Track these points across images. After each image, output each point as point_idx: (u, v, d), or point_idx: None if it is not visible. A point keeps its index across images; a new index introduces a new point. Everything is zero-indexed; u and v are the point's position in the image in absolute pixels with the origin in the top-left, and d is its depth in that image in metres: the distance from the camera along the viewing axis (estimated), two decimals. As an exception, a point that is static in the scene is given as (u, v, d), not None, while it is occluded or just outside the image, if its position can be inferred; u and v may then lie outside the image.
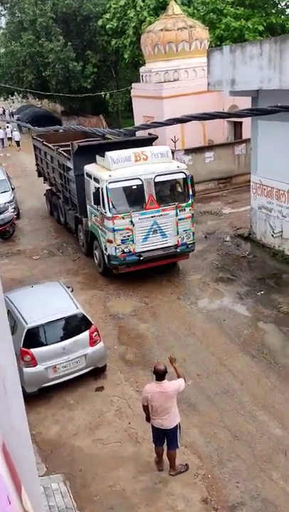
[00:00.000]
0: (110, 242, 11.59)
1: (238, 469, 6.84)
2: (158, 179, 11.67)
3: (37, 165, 20.09)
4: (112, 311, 11.51)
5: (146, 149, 12.13)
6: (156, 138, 14.58)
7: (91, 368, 8.84)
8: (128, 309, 11.45)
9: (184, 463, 6.93)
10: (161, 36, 24.01)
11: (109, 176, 11.39)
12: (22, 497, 1.84)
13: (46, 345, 8.45)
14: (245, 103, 15.10)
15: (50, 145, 16.40)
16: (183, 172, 12.03)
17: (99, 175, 11.76)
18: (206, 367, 9.03)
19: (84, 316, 8.89)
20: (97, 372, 9.06)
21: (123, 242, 11.51)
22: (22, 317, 8.67)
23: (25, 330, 8.42)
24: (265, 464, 6.87)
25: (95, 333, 8.82)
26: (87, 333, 8.71)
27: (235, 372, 8.79)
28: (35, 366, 8.31)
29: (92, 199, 12.15)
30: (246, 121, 19.51)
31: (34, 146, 19.56)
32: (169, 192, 12.54)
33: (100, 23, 33.93)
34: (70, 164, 13.93)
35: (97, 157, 12.49)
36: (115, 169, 11.57)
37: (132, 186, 11.57)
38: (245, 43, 12.79)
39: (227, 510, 6.25)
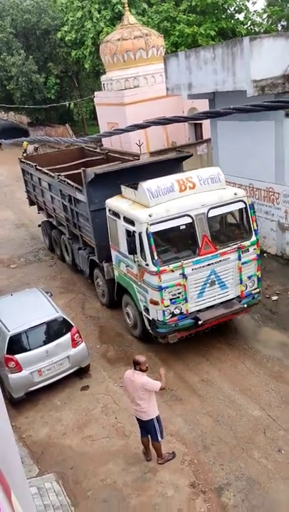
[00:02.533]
0: (155, 303, 8.32)
1: (222, 452, 6.92)
2: (212, 213, 8.54)
3: (27, 192, 16.31)
4: (91, 312, 11.45)
5: (192, 174, 8.80)
6: (191, 156, 10.99)
7: (75, 368, 8.79)
8: (107, 309, 11.40)
9: (171, 451, 6.97)
10: (118, 45, 24.02)
11: (150, 215, 8.12)
12: (12, 501, 1.81)
13: (30, 350, 8.35)
14: (203, 105, 15.27)
15: (46, 170, 13.17)
16: (242, 201, 8.78)
17: (134, 215, 8.45)
18: (187, 359, 9.09)
19: (64, 319, 8.83)
20: (81, 372, 9.02)
21: (173, 302, 8.30)
22: (4, 325, 8.55)
23: (8, 337, 8.31)
24: (246, 445, 6.96)
25: (77, 334, 8.77)
26: (68, 335, 8.65)
27: (213, 361, 8.88)
28: (20, 371, 8.20)
29: (120, 243, 9.24)
30: (206, 122, 19.72)
31: (23, 171, 15.88)
32: (226, 228, 9.38)
33: (59, 35, 33.71)
34: (81, 197, 10.55)
35: (124, 188, 9.35)
36: (155, 205, 8.33)
37: (179, 226, 8.40)
38: (199, 48, 12.90)
39: (214, 492, 6.32)
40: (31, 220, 18.80)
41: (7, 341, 8.27)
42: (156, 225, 8.15)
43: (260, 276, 9.06)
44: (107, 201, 9.58)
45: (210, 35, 28.21)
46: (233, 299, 8.84)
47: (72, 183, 11.16)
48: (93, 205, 10.15)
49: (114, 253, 9.82)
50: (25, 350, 8.33)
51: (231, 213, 9.03)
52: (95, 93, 28.14)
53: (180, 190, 8.53)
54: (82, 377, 9.02)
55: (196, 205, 8.36)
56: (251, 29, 30.98)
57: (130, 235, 8.58)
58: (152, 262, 8.14)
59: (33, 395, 8.50)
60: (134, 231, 8.45)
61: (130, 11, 26.79)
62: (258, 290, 9.10)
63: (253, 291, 9.02)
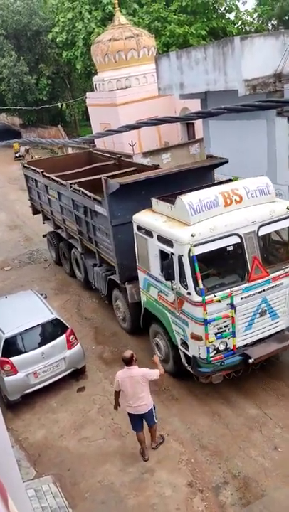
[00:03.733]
0: (198, 338, 7.13)
1: (219, 450, 6.93)
2: (263, 231, 7.36)
3: (31, 200, 15.07)
4: (86, 313, 11.44)
5: (238, 186, 7.55)
6: (226, 162, 9.38)
7: (71, 369, 8.77)
8: (102, 310, 11.39)
9: (159, 434, 7.16)
10: (110, 46, 24.00)
11: (192, 235, 6.87)
12: (8, 504, 1.81)
13: (25, 352, 8.32)
14: (195, 104, 15.30)
15: (56, 178, 12.09)
16: None
17: (172, 234, 7.21)
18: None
19: (59, 320, 8.81)
20: (77, 374, 9.00)
21: (219, 336, 7.16)
22: (-1, 328, 8.53)
23: (3, 340, 8.29)
24: (243, 443, 6.98)
25: (72, 336, 8.75)
26: (64, 336, 8.63)
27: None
28: (15, 374, 8.17)
29: (151, 266, 8.06)
30: (198, 122, 19.75)
31: (26, 177, 14.80)
32: (271, 247, 8.11)
33: (50, 36, 33.65)
34: (101, 209, 9.33)
35: (156, 202, 8.08)
36: (197, 222, 7.10)
37: (226, 248, 7.20)
38: (190, 48, 12.94)
39: (212, 491, 6.33)
40: (25, 222, 18.74)
41: (2, 344, 8.25)
42: (200, 246, 6.87)
43: None
44: (135, 216, 8.30)
45: (201, 35, 28.25)
46: (283, 330, 7.71)
47: (89, 194, 9.97)
48: (115, 220, 8.92)
49: (142, 275, 8.55)
50: (20, 352, 8.31)
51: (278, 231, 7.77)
52: (87, 94, 28.10)
53: (225, 204, 7.26)
54: (78, 378, 9.00)
55: (244, 222, 7.15)
56: (242, 28, 31.07)
57: (166, 257, 7.35)
58: (196, 291, 6.88)
59: (29, 398, 8.46)
60: (171, 253, 7.18)
61: (121, 12, 26.77)
62: None
63: None
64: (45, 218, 14.38)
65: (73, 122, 40.59)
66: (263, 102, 3.40)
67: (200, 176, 9.07)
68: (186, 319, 7.24)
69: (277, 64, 10.97)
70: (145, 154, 20.03)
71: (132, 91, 23.67)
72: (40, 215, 14.66)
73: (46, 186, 12.92)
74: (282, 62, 10.90)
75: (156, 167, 10.68)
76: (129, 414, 6.85)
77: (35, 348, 8.39)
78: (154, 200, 8.15)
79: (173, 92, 13.66)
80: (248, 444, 6.95)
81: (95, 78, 26.45)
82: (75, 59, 32.88)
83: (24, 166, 14.77)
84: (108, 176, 9.36)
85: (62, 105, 41.06)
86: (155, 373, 6.59)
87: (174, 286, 7.26)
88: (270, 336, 7.60)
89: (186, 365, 7.67)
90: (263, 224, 7.31)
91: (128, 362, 6.58)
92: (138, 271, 8.66)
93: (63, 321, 8.90)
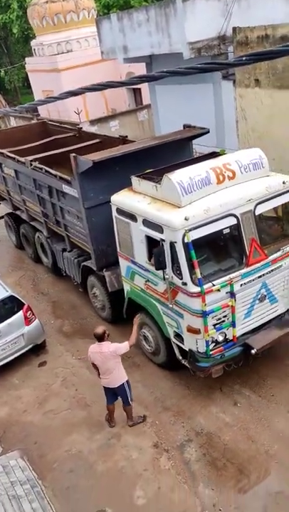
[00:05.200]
0: (196, 332, 6.58)
1: (182, 410, 7.21)
2: (259, 209, 6.74)
3: None
4: (42, 288, 11.33)
5: (230, 160, 6.89)
6: (208, 132, 8.68)
7: (31, 345, 8.75)
8: (59, 284, 11.32)
9: (142, 414, 7.20)
10: (47, 8, 22.93)
11: (186, 219, 6.21)
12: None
13: (-19, 331, 8.20)
14: (141, 69, 15.03)
15: (10, 154, 11.11)
16: None
17: (162, 218, 6.51)
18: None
19: (14, 297, 8.71)
20: (37, 349, 8.99)
21: (218, 328, 6.64)
22: None
23: None
24: (204, 401, 7.29)
25: (29, 312, 8.69)
26: (20, 313, 8.55)
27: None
28: (-27, 354, 8.07)
29: (135, 253, 7.41)
30: (144, 87, 19.44)
31: None
32: (265, 225, 7.33)
33: (-19, -2, 31.60)
34: (71, 190, 8.56)
35: (137, 180, 7.32)
36: (189, 203, 6.46)
37: (222, 231, 6.56)
38: (132, 10, 12.60)
39: (176, 450, 6.61)
40: None
41: None
42: (195, 230, 6.20)
43: None
44: (113, 198, 7.54)
45: (142, -4, 27.43)
46: (282, 314, 7.21)
47: (54, 172, 9.17)
48: (88, 201, 8.20)
49: (124, 263, 7.87)
50: (-24, 332, 8.18)
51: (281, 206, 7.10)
52: (26, 59, 26.88)
53: (218, 181, 6.58)
54: (38, 353, 9.00)
55: (240, 200, 6.50)
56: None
57: (154, 243, 6.68)
58: (192, 281, 6.27)
59: (-11, 377, 8.40)
60: (162, 239, 6.50)
61: None
62: None
63: None
64: (1, 198, 13.41)
65: (13, 90, 38.81)
66: (206, 65, 3.39)
67: (178, 148, 8.44)
68: (181, 311, 6.65)
69: (221, 26, 10.90)
70: (92, 122, 19.57)
71: (74, 55, 22.86)
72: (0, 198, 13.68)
73: (0, 164, 11.99)
74: (225, 24, 10.84)
75: (124, 138, 10.13)
76: (104, 387, 6.93)
77: (-8, 327, 8.27)
78: (134, 179, 7.32)
79: (117, 56, 13.33)
80: (209, 402, 7.26)
81: (33, 42, 25.29)
82: (11, 22, 31.17)
83: None
84: (72, 151, 8.84)
85: (0, 72, 39.09)
86: (124, 347, 6.61)
87: (166, 276, 6.57)
88: (269, 321, 7.09)
89: (181, 358, 7.16)
90: (260, 201, 6.65)
91: (100, 338, 6.58)
92: (119, 258, 7.97)
93: (19, 298, 8.80)
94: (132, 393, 6.99)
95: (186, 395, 7.47)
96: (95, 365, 6.84)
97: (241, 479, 6.02)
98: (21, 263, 12.72)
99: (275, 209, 7.15)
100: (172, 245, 6.40)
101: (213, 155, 7.45)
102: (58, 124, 14.28)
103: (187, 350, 6.90)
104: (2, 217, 13.94)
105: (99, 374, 6.87)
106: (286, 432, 6.53)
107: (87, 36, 23.13)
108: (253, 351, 6.79)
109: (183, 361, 7.18)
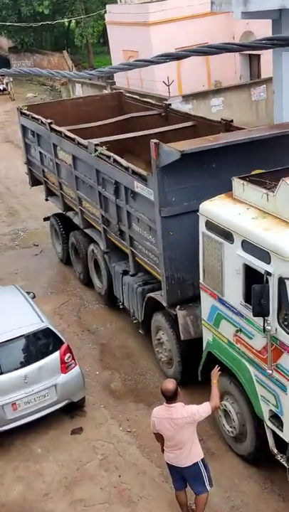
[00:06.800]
0: None
1: None
2: None
3: (28, 163, 14.74)
4: (89, 323, 11.53)
5: None
6: None
7: (64, 402, 8.83)
8: (113, 319, 11.45)
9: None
10: None
11: None
12: None
13: (1, 373, 8.43)
14: (264, 28, 15.10)
15: (72, 135, 11.33)
16: None
17: (272, 241, 6.44)
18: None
19: (51, 331, 8.88)
20: (73, 409, 9.08)
21: None
22: None
23: None
24: None
25: (68, 354, 8.82)
26: (57, 355, 8.70)
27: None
28: (-14, 404, 8.31)
29: (225, 287, 7.38)
30: (266, 54, 19.50)
31: (23, 129, 14.32)
32: None
33: None
34: (145, 190, 8.63)
35: (241, 183, 7.21)
36: None
37: None
38: None
39: None
40: (9, 189, 18.97)
41: None
42: None
43: None
44: (203, 206, 7.54)
45: None
46: None
47: (126, 164, 9.28)
48: (168, 208, 8.20)
49: (208, 300, 7.87)
50: (-6, 373, 8.44)
51: None
52: (107, 7, 28.14)
53: None
54: (73, 415, 9.09)
55: None
56: None
57: (256, 277, 6.62)
58: None
59: (4, 437, 8.58)
60: (268, 273, 6.41)
61: None
62: None
63: None
64: (50, 193, 13.89)
65: (85, 48, 40.68)
66: None
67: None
68: (285, 382, 6.55)
69: None
70: (186, 98, 19.94)
71: (172, 5, 23.52)
72: (42, 187, 14.27)
73: (55, 146, 12.26)
74: None
75: (229, 123, 10.10)
76: (167, 464, 6.89)
77: (16, 369, 8.46)
78: (237, 182, 7.24)
79: (232, 9, 13.49)
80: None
81: (119, -15, 26.45)
82: None
83: (22, 113, 14.07)
84: (153, 136, 8.92)
85: (70, 22, 41.18)
86: (205, 410, 6.54)
87: (268, 327, 6.45)
88: None
89: (276, 452, 6.98)
90: None
91: (170, 397, 6.53)
92: (201, 292, 7.99)
93: (57, 333, 8.96)
94: (210, 477, 6.83)
95: (280, 510, 7.18)
96: (159, 436, 6.79)
97: None
98: (65, 284, 13.04)
99: None
100: (282, 282, 6.31)
101: None
102: (137, 98, 14.66)
103: (288, 441, 6.72)
104: (48, 218, 14.42)
105: (163, 445, 6.82)
106: None
107: (192, -21, 23.77)
108: None
109: (279, 457, 6.98)
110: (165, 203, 8.23)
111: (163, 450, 6.87)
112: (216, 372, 6.98)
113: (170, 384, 6.58)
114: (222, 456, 8.06)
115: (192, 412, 6.50)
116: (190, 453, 6.63)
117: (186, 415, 6.47)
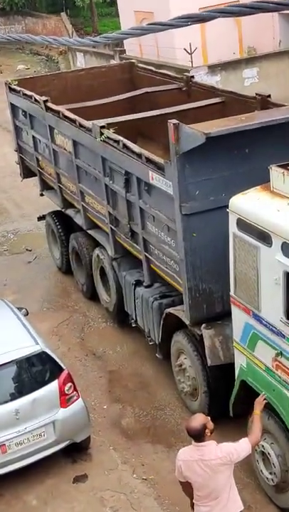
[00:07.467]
0: None
1: None
2: None
3: (19, 150, 15.07)
4: (95, 346, 11.56)
5: None
6: None
7: (65, 443, 8.84)
8: (124, 340, 11.47)
9: None
10: None
11: None
12: None
13: (-13, 408, 8.49)
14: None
15: (73, 115, 11.46)
16: None
17: None
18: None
19: (49, 356, 8.91)
20: (75, 451, 9.09)
21: None
22: None
23: None
24: None
25: (69, 384, 8.82)
26: (55, 384, 8.71)
27: None
28: None
29: (262, 300, 7.48)
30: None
31: (12, 108, 14.57)
32: None
33: None
34: (162, 182, 8.78)
35: (278, 173, 7.22)
36: None
37: None
38: None
39: None
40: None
41: None
42: None
43: None
44: (234, 201, 7.61)
45: None
46: None
47: (138, 150, 9.45)
48: (190, 203, 8.29)
49: (240, 317, 7.95)
50: (-22, 407, 8.48)
51: None
52: None
53: None
54: (76, 459, 9.09)
55: None
56: None
57: None
58: None
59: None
60: None
61: None
62: None
63: None
64: (46, 187, 14.12)
65: (88, 9, 40.87)
66: None
67: None
68: None
69: None
70: (213, 69, 19.97)
71: None
72: (36, 179, 14.48)
73: (52, 129, 12.42)
74: None
75: (265, 99, 10.07)
76: None
77: (5, 403, 8.49)
78: (275, 171, 7.24)
79: None
80: None
81: None
82: None
83: (11, 88, 14.21)
84: (172, 115, 8.97)
85: (69, -22, 41.40)
86: (244, 447, 6.44)
87: None
88: None
89: None
90: None
91: (198, 436, 6.41)
92: (232, 307, 8.06)
93: (55, 358, 8.99)
94: None
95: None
96: (187, 485, 6.66)
97: None
98: (65, 298, 13.08)
99: None
100: None
101: None
102: (152, 69, 14.60)
103: None
104: (43, 217, 14.52)
105: (192, 500, 6.70)
106: None
107: None
108: None
109: None
110: (187, 198, 8.26)
111: (192, 505, 6.70)
112: (260, 401, 6.98)
113: (197, 420, 6.45)
114: (261, 510, 8.03)
115: (228, 450, 6.36)
116: (227, 503, 6.47)
117: (221, 455, 6.31)
